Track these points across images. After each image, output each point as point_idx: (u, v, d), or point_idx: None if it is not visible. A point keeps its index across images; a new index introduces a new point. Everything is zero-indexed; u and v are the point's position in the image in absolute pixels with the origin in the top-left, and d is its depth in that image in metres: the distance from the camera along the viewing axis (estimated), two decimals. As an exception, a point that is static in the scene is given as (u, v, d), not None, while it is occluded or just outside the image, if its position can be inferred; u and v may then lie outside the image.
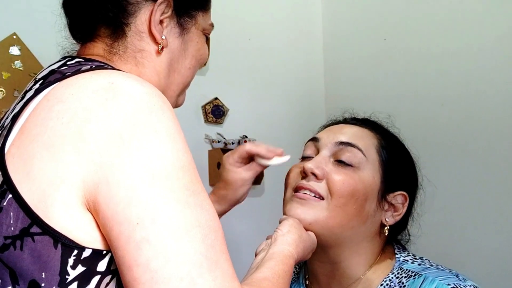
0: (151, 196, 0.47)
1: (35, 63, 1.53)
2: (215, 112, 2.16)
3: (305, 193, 0.79)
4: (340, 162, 0.79)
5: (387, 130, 0.87)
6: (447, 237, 1.74)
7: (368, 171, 0.79)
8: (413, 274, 0.76)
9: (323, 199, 0.78)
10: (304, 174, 0.80)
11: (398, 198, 0.80)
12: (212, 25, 0.76)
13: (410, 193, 0.82)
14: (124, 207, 0.46)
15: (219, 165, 2.11)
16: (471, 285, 0.71)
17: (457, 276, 0.74)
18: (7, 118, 0.58)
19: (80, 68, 0.56)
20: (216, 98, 2.17)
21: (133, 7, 0.64)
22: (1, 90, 1.48)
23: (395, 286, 0.76)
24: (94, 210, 0.48)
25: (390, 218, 0.80)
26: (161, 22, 0.65)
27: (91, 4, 0.64)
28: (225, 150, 2.13)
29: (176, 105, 0.74)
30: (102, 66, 0.58)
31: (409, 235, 0.88)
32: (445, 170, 1.75)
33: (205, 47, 0.73)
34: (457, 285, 0.71)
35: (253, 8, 2.22)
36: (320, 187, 0.78)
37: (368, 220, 0.79)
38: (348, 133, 0.82)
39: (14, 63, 1.51)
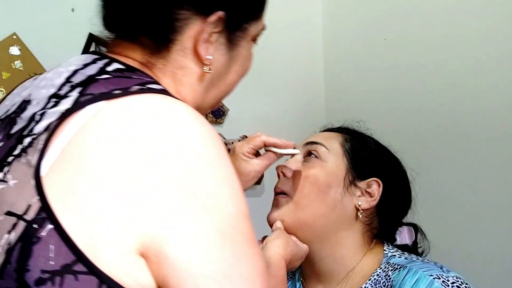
0: (222, 254, 0.49)
1: (35, 63, 1.54)
2: (215, 112, 2.17)
3: (278, 194, 0.88)
4: (306, 157, 0.88)
5: (354, 130, 0.94)
6: (444, 239, 1.73)
7: (332, 162, 0.85)
8: (398, 267, 0.77)
9: (288, 195, 0.86)
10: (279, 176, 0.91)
11: (372, 184, 0.84)
12: (263, 28, 0.72)
13: (384, 179, 0.85)
14: (199, 262, 0.48)
15: (219, 165, 2.12)
16: (454, 276, 0.72)
17: (441, 268, 0.74)
18: (33, 116, 0.53)
19: (129, 87, 0.52)
20: (216, 99, 2.18)
21: (180, 23, 0.59)
22: (1, 90, 1.50)
23: (381, 279, 0.77)
24: (154, 259, 0.48)
25: (364, 203, 0.83)
26: (209, 38, 0.60)
27: (136, 14, 0.60)
28: (225, 150, 2.14)
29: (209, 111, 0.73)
30: (149, 83, 0.55)
31: (429, 249, 0.90)
32: (445, 170, 1.74)
33: (250, 59, 0.69)
34: (439, 275, 0.71)
35: (253, 9, 2.23)
36: (285, 185, 0.87)
37: (337, 206, 0.83)
38: (317, 136, 0.92)
39: (14, 63, 1.52)
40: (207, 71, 0.61)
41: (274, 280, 0.69)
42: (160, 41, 0.59)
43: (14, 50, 1.51)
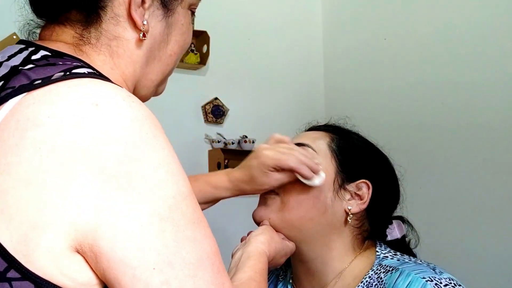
0: (162, 240, 0.46)
1: (35, 63, 1.54)
2: (215, 112, 2.17)
3: (266, 193, 0.85)
4: None
5: (340, 127, 0.91)
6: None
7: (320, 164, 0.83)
8: (390, 269, 0.76)
9: (278, 194, 0.84)
10: None
11: (362, 186, 0.82)
12: None
13: (373, 179, 0.83)
14: (137, 252, 0.45)
15: (219, 165, 2.12)
16: (446, 278, 0.70)
17: (434, 270, 0.73)
18: None
19: (51, 76, 0.48)
20: (216, 98, 2.18)
21: None
22: (1, 90, 1.50)
23: (374, 282, 0.76)
24: (90, 253, 0.45)
25: (354, 207, 0.81)
26: (142, 3, 0.57)
27: None
28: (225, 150, 2.14)
29: (155, 94, 0.68)
30: (76, 67, 0.51)
31: (419, 240, 0.89)
32: (446, 169, 1.74)
33: (189, 30, 0.65)
34: (432, 277, 0.70)
35: (253, 8, 2.23)
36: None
37: (327, 210, 0.81)
38: (303, 136, 0.89)
39: (14, 63, 1.52)
40: (142, 37, 0.57)
41: (250, 272, 0.67)
42: (90, 10, 0.55)
43: (14, 50, 1.52)
